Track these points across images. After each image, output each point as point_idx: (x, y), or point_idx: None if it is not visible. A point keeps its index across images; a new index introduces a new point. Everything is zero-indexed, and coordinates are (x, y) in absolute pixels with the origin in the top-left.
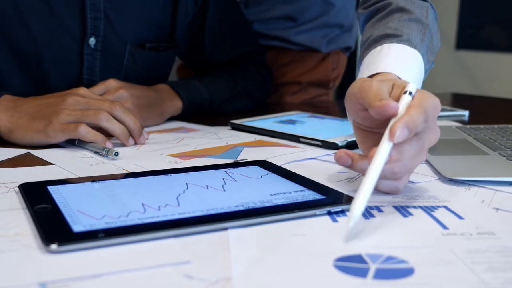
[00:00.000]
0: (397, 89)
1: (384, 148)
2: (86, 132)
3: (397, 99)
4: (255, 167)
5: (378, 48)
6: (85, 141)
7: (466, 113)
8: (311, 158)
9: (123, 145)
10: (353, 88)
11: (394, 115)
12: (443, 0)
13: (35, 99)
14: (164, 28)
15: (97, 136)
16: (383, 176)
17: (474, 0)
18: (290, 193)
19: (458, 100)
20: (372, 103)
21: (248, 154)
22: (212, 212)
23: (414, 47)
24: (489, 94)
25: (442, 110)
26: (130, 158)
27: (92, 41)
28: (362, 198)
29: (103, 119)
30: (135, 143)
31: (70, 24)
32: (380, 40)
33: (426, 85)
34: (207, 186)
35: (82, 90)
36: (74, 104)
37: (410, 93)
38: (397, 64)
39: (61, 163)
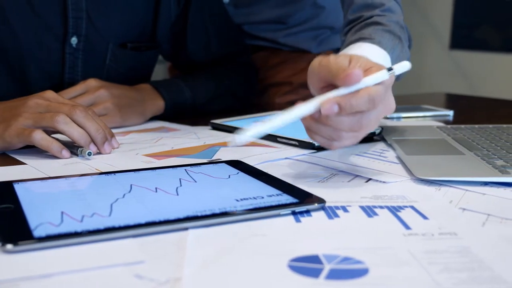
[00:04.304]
0: (355, 62)
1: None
2: (41, 138)
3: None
4: (223, 165)
5: (350, 46)
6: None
7: (450, 113)
8: (286, 158)
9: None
10: (312, 67)
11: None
12: (437, 0)
13: (1, 104)
14: (146, 28)
15: (52, 144)
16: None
17: (468, 0)
18: (255, 198)
19: (449, 100)
20: (336, 76)
21: (223, 154)
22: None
23: (384, 49)
24: (483, 94)
25: (426, 110)
26: (104, 157)
27: (74, 40)
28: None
29: (60, 121)
30: (99, 152)
31: (52, 23)
32: (353, 42)
33: (421, 84)
34: (156, 188)
35: (48, 93)
36: (34, 107)
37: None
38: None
39: (34, 163)
